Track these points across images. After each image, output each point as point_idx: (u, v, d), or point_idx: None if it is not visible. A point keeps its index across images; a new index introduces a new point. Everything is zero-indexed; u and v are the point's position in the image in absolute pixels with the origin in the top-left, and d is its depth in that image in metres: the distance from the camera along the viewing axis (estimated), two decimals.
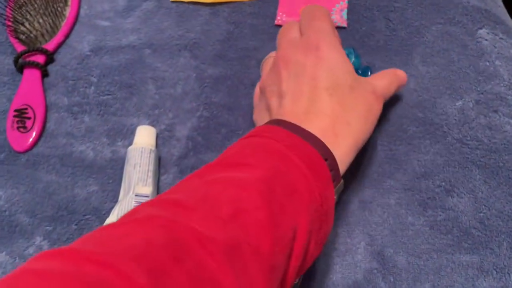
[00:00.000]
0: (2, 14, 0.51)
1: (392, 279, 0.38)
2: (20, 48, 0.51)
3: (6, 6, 0.51)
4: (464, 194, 0.40)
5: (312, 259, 0.31)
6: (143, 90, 0.48)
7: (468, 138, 0.43)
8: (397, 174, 0.42)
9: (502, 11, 0.51)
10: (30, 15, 0.52)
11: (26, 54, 0.50)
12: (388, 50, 0.48)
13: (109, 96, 0.48)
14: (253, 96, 0.43)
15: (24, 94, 0.48)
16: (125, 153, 0.43)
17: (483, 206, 0.40)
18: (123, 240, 0.23)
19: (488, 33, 0.48)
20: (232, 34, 0.51)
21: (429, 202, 0.40)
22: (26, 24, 0.51)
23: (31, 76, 0.49)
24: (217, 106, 0.47)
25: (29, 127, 0.46)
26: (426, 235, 0.39)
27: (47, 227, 0.42)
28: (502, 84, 0.45)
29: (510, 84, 0.45)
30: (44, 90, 0.49)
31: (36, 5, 0.52)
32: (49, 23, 0.52)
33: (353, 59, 0.42)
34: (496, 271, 0.37)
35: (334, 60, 0.36)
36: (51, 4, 0.52)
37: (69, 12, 0.53)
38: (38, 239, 0.42)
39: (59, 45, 0.52)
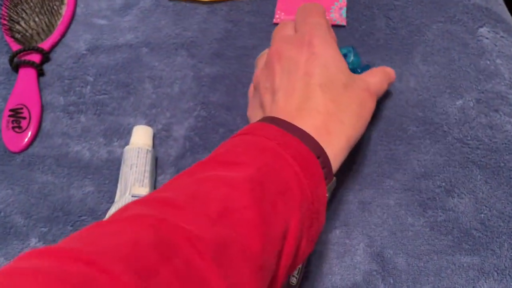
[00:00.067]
0: None
1: (391, 281, 0.37)
2: (15, 47, 0.50)
3: (1, 5, 0.51)
4: (465, 195, 0.40)
5: (304, 257, 0.31)
6: (140, 89, 0.48)
7: (469, 138, 0.42)
8: (396, 174, 0.41)
9: (503, 9, 0.51)
10: (26, 13, 0.51)
11: (22, 53, 0.49)
12: (388, 49, 0.47)
13: (106, 96, 0.48)
14: None
15: (20, 93, 0.48)
16: (122, 153, 0.43)
17: (484, 207, 0.39)
18: (111, 239, 0.23)
19: (489, 31, 0.47)
20: (230, 32, 0.50)
21: (429, 202, 0.40)
22: (22, 22, 0.51)
23: (27, 75, 0.49)
24: (214, 105, 0.46)
25: (24, 127, 0.46)
26: (426, 236, 0.39)
27: (42, 228, 0.42)
28: (503, 83, 0.45)
29: (511, 83, 0.45)
30: (40, 90, 0.48)
31: (32, 4, 0.51)
32: (45, 22, 0.51)
33: (351, 58, 0.42)
34: (497, 273, 0.37)
35: (328, 57, 0.36)
36: (47, 2, 0.52)
37: (65, 10, 0.53)
38: (33, 241, 0.41)
39: (55, 44, 0.51)
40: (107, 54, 0.50)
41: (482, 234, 0.38)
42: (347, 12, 0.50)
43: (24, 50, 0.49)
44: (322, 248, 0.39)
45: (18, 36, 0.51)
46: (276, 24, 0.50)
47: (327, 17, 0.49)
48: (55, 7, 0.52)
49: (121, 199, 0.39)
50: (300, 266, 0.36)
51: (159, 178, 0.43)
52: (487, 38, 0.47)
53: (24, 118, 0.46)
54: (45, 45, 0.50)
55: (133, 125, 0.45)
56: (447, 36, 0.48)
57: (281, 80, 0.36)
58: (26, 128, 0.46)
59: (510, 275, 0.36)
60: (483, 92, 0.44)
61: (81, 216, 0.42)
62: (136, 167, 0.41)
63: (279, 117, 0.34)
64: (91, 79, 0.49)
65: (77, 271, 0.20)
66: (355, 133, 0.35)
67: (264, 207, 0.28)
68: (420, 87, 0.45)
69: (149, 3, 0.53)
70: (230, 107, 0.46)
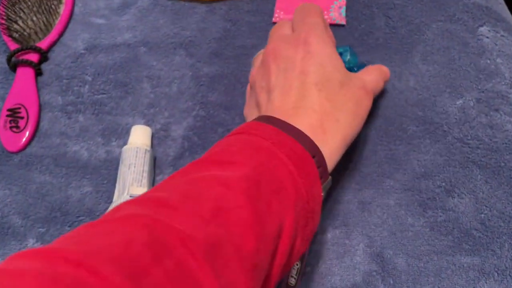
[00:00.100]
0: None
1: (391, 282, 0.37)
2: (13, 46, 0.50)
3: None
4: (465, 195, 0.40)
5: (299, 256, 0.31)
6: (138, 89, 0.47)
7: (469, 138, 0.42)
8: (396, 174, 0.41)
9: (503, 8, 0.50)
10: (24, 13, 0.51)
11: (20, 53, 0.49)
12: (387, 48, 0.47)
13: (104, 95, 0.47)
14: None
15: (17, 93, 0.47)
16: (120, 153, 0.43)
17: (484, 207, 0.39)
18: (104, 239, 0.22)
19: (489, 30, 0.47)
20: (229, 31, 0.50)
21: (429, 202, 0.40)
22: (20, 22, 0.50)
23: (25, 75, 0.48)
24: (213, 105, 0.46)
25: (22, 127, 0.46)
26: (426, 237, 0.38)
27: (40, 229, 0.41)
28: (503, 83, 0.44)
29: (511, 82, 0.45)
30: (38, 89, 0.48)
31: (29, 3, 0.51)
32: (43, 21, 0.51)
33: (348, 57, 0.42)
34: (497, 273, 0.36)
35: (324, 56, 0.35)
36: (45, 1, 0.52)
37: (63, 9, 0.52)
38: (31, 241, 0.41)
39: (53, 44, 0.51)
40: (105, 53, 0.50)
41: (483, 234, 0.38)
42: (346, 11, 0.50)
43: (22, 50, 0.49)
44: (321, 248, 0.39)
45: (16, 35, 0.50)
46: (275, 23, 0.50)
47: (327, 16, 0.49)
48: (53, 6, 0.52)
49: (119, 199, 0.39)
50: (299, 266, 0.36)
51: (158, 178, 0.43)
52: (487, 37, 0.47)
53: (22, 117, 0.46)
54: (43, 44, 0.50)
55: (132, 125, 0.44)
56: (447, 35, 0.47)
57: (277, 79, 0.35)
58: (24, 128, 0.46)
59: (510, 276, 0.36)
60: (483, 92, 0.44)
61: (79, 217, 0.42)
62: (135, 167, 0.41)
63: (275, 116, 0.33)
64: (89, 78, 0.48)
65: (67, 272, 0.20)
66: (351, 131, 0.35)
67: (259, 206, 0.27)
68: (420, 87, 0.45)
69: (147, 2, 0.53)
70: (228, 106, 0.46)
